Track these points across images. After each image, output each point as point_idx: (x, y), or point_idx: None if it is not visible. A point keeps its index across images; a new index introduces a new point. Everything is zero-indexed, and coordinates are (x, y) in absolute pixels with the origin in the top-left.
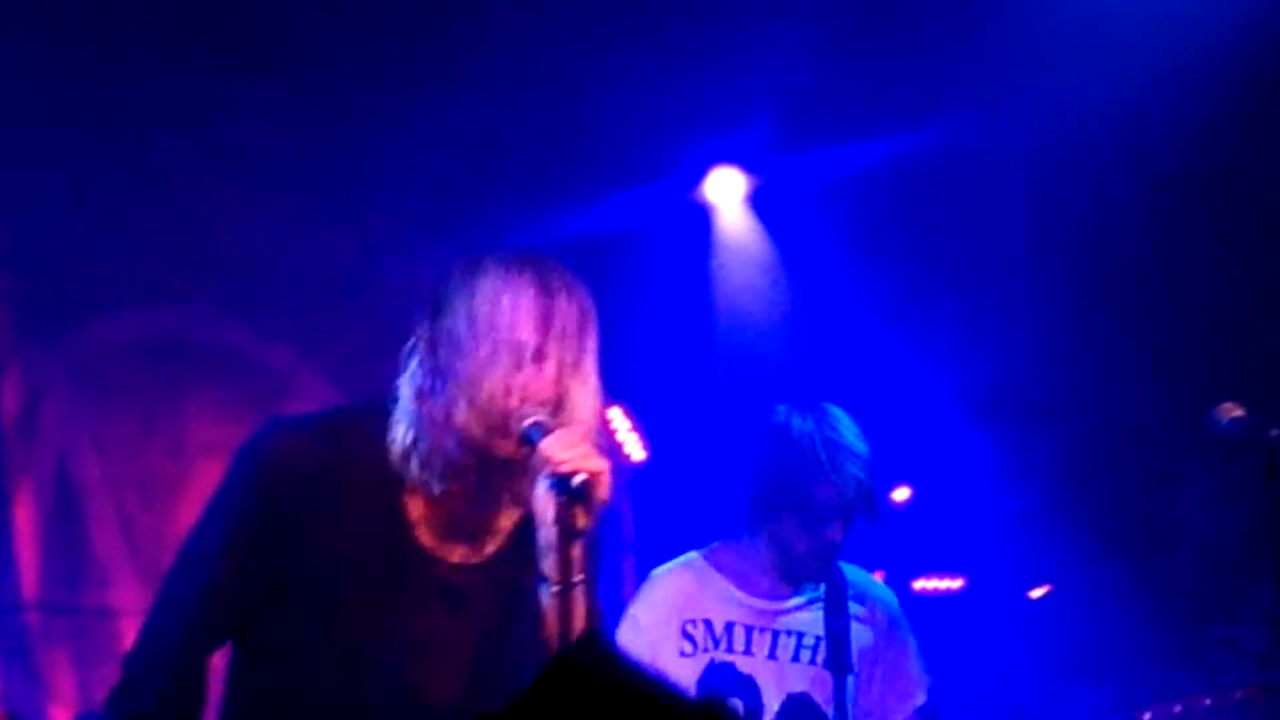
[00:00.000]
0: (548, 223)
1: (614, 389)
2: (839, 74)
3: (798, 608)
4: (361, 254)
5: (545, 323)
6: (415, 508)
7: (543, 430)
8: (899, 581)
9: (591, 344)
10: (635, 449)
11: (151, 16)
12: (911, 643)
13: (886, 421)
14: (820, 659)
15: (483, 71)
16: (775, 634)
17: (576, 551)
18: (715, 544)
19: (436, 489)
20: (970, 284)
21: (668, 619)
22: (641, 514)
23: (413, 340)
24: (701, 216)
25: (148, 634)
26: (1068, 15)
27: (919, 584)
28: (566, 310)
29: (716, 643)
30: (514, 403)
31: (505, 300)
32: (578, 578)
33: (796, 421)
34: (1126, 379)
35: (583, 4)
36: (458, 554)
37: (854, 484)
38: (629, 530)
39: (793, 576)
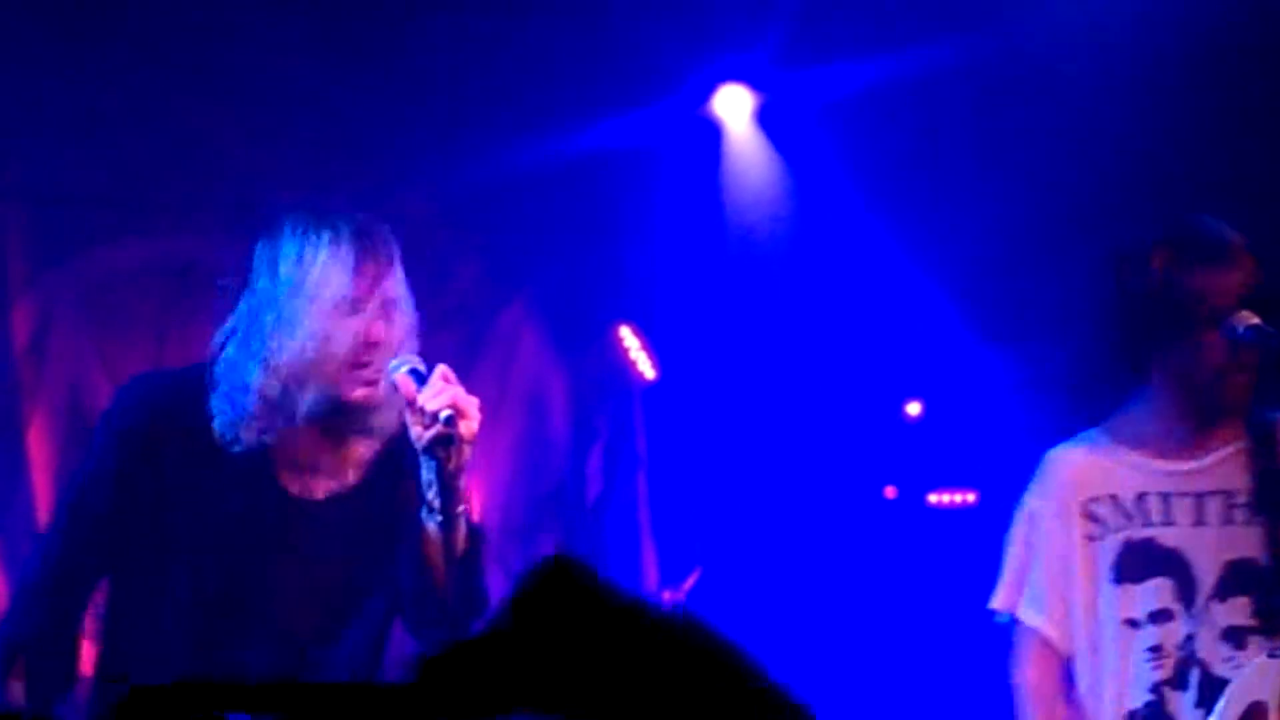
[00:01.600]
0: (554, 141)
1: (623, 308)
2: None
3: (1220, 462)
4: (369, 178)
5: (347, 272)
6: (275, 449)
7: (419, 374)
8: (912, 496)
9: (399, 282)
10: (646, 367)
11: None
12: None
13: (897, 336)
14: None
15: None
16: (1199, 496)
17: (458, 482)
18: (1108, 420)
19: (239, 447)
20: (982, 199)
21: (1066, 502)
22: (654, 432)
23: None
24: (710, 133)
25: (29, 566)
26: None
27: (933, 498)
28: (368, 256)
29: (1129, 517)
30: (338, 350)
31: (307, 256)
32: (460, 507)
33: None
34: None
35: None
36: (320, 490)
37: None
38: (642, 448)
39: (1206, 416)
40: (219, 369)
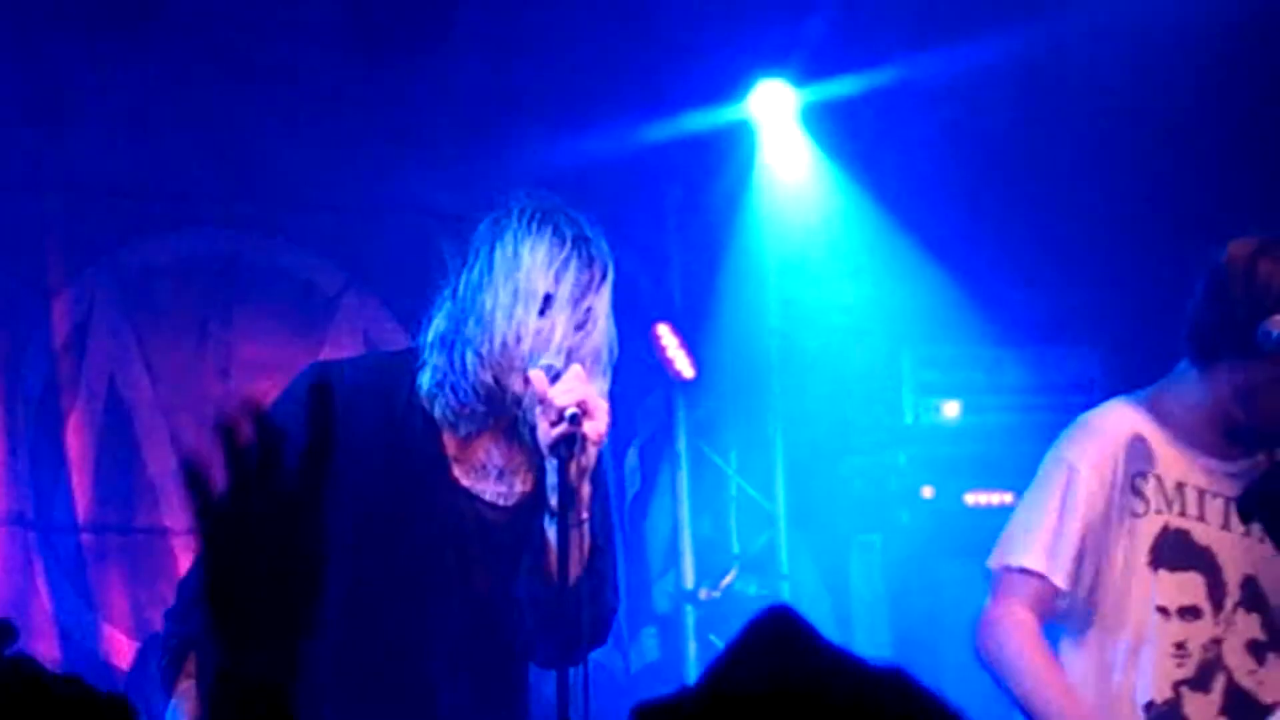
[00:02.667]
0: (592, 139)
1: (662, 306)
2: None
3: (1250, 469)
4: (409, 174)
5: (558, 275)
6: (450, 445)
7: (552, 371)
8: (951, 496)
9: (604, 297)
10: (684, 365)
11: None
12: None
13: (935, 335)
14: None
15: None
16: (1228, 501)
17: (582, 488)
18: (1153, 388)
19: (462, 430)
20: (1023, 199)
21: (1113, 469)
22: (692, 431)
23: (442, 291)
24: (749, 131)
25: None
26: None
27: (970, 498)
28: (580, 264)
29: (1169, 503)
30: (524, 348)
31: (524, 251)
32: (583, 514)
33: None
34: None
35: None
36: (490, 492)
37: None
38: (681, 446)
39: (1236, 436)
40: (430, 341)
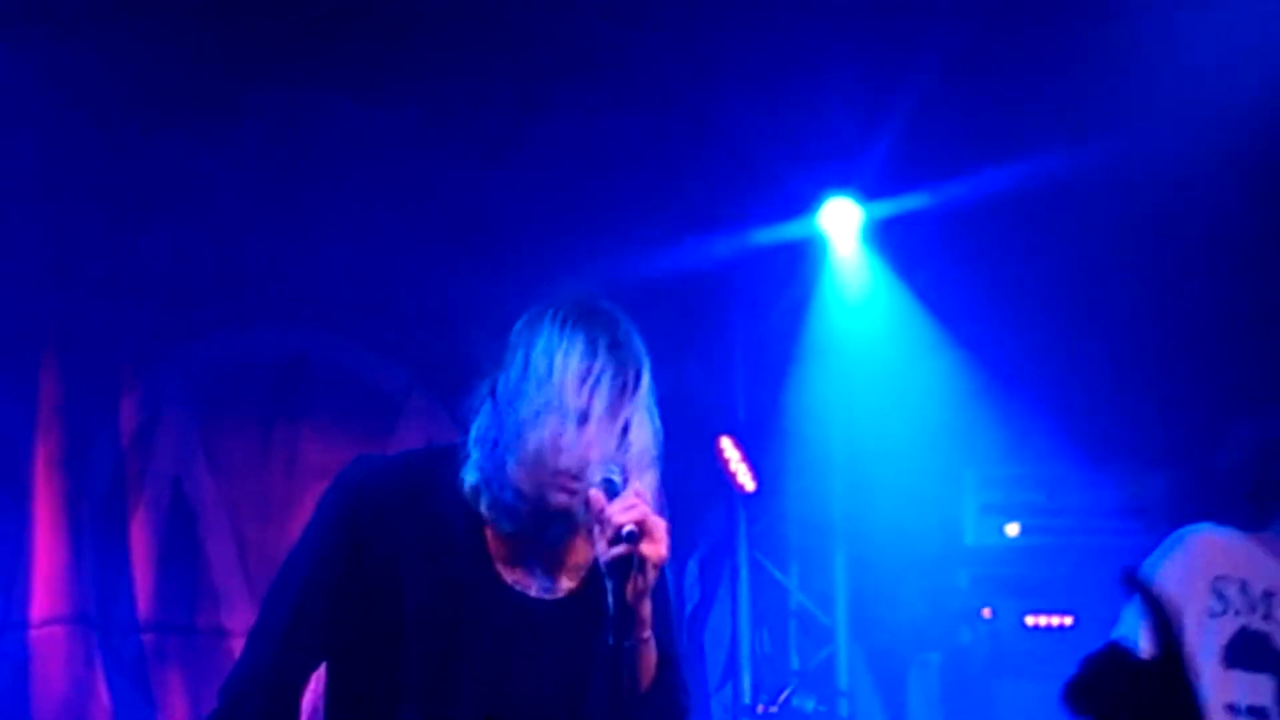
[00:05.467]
0: (662, 251)
1: (724, 420)
2: (954, 104)
3: None
4: (478, 277)
5: (592, 390)
6: (494, 542)
7: (611, 486)
8: (1011, 615)
9: (640, 400)
10: (746, 479)
11: (272, 29)
12: None
13: (998, 455)
14: None
15: (603, 96)
16: None
17: (641, 608)
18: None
19: (507, 527)
20: (1089, 320)
21: (1198, 573)
22: (753, 544)
23: (485, 385)
24: (816, 247)
25: (244, 659)
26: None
27: (1030, 619)
28: (614, 374)
29: (1252, 607)
30: (561, 461)
31: (557, 361)
32: (644, 634)
33: None
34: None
35: (702, 30)
36: (535, 588)
37: None
38: (741, 559)
39: None
40: (474, 438)
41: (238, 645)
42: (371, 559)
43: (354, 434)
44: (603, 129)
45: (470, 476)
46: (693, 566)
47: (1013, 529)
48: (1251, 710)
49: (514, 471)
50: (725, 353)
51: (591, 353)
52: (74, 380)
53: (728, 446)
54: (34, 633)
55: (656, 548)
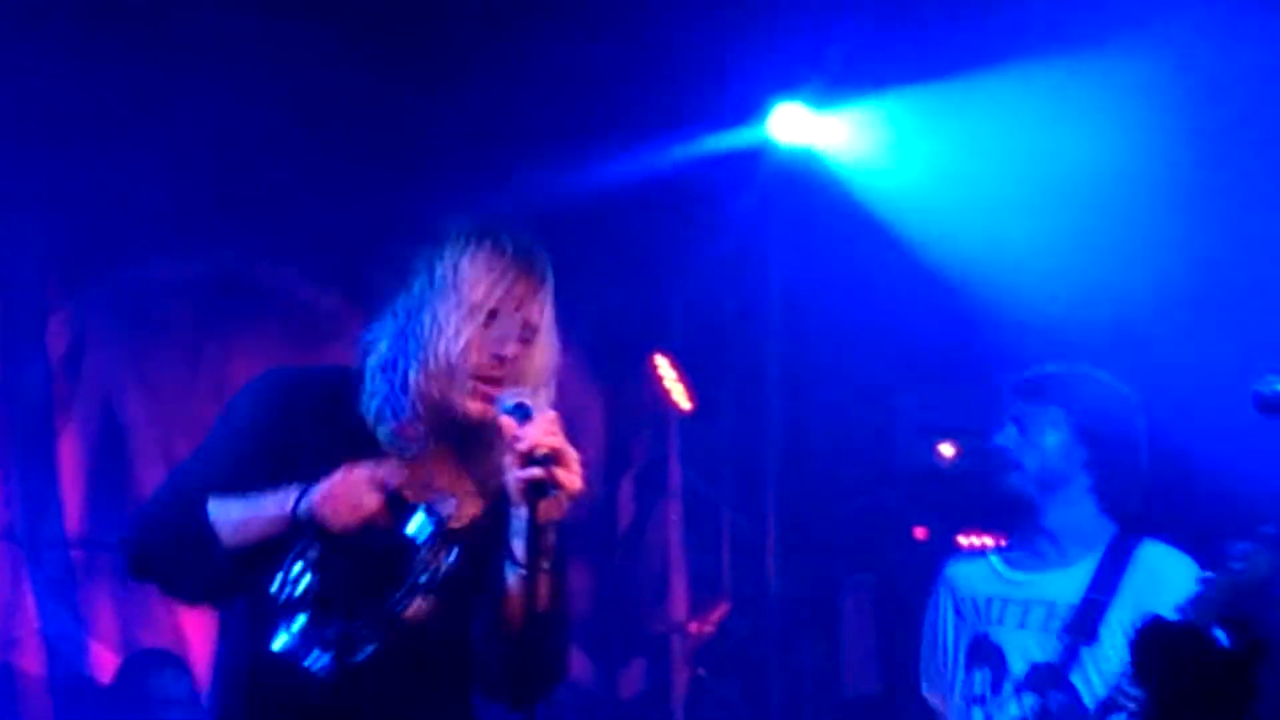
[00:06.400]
0: (600, 165)
1: (661, 336)
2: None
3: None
4: (412, 197)
5: (499, 285)
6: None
7: (524, 411)
8: (944, 536)
9: (547, 308)
10: (681, 398)
11: None
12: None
13: (934, 376)
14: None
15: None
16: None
17: (547, 537)
18: None
19: (408, 454)
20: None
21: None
22: (688, 462)
23: (386, 310)
24: (760, 157)
25: (151, 501)
26: None
27: (963, 539)
28: (522, 273)
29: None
30: (470, 359)
31: (464, 264)
32: (545, 565)
33: None
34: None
35: None
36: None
37: None
38: (675, 478)
39: None
40: (373, 365)
41: None
42: (279, 458)
43: (284, 354)
44: (541, 52)
45: (373, 405)
46: (625, 485)
47: (947, 449)
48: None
49: (421, 385)
50: (663, 269)
51: (500, 252)
52: (1, 299)
53: (663, 365)
54: None
55: (572, 478)
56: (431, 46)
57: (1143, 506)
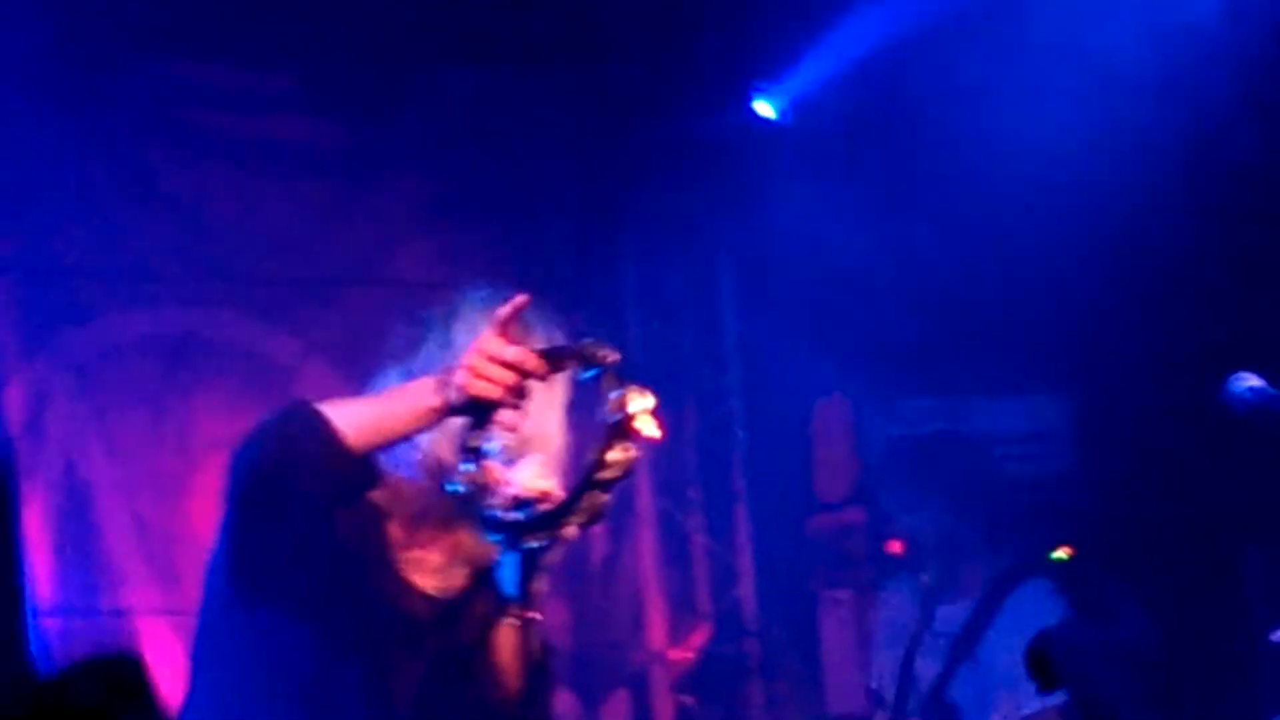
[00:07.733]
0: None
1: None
2: None
3: None
4: (365, 244)
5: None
6: (395, 532)
7: (504, 457)
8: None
9: (559, 385)
10: (650, 427)
11: (149, 7)
12: None
13: (902, 387)
14: None
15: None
16: None
17: (537, 584)
18: None
19: (407, 515)
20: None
21: None
22: (660, 491)
23: (389, 368)
24: (722, 146)
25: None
26: None
27: None
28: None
29: None
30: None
31: (481, 325)
32: (533, 612)
33: None
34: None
35: None
36: (431, 584)
37: None
38: (648, 507)
39: None
40: None
41: (142, 624)
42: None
43: (247, 406)
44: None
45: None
46: None
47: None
48: None
49: (430, 446)
50: (619, 303)
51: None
52: None
53: (631, 393)
54: None
55: (570, 529)
56: (377, 90)
57: None
